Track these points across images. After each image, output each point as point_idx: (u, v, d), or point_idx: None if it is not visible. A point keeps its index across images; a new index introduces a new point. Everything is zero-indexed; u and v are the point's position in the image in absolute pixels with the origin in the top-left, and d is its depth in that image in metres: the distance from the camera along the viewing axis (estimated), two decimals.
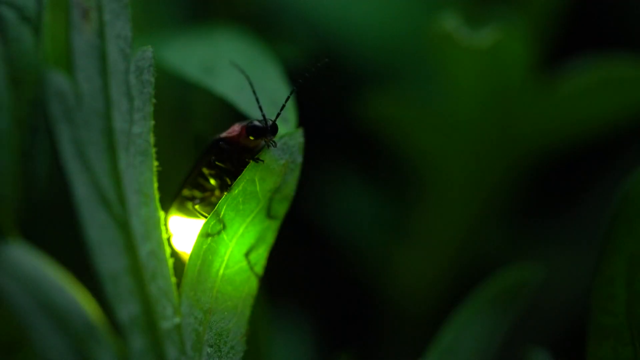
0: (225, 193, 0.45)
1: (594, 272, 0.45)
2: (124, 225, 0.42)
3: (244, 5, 0.79)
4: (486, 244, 0.78)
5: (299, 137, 0.45)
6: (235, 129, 0.47)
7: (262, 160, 0.45)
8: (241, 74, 0.49)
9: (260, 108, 0.47)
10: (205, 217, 0.45)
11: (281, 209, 0.45)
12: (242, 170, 0.45)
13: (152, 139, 0.44)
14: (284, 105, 0.47)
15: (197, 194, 0.49)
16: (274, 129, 0.46)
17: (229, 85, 0.50)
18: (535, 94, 0.70)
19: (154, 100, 0.44)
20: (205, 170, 0.48)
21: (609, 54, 0.69)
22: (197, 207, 0.48)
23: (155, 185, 0.44)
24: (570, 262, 0.77)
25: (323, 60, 0.49)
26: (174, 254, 0.46)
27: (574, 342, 0.68)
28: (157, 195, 0.44)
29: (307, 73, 0.48)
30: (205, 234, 0.44)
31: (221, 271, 0.45)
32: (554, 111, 0.71)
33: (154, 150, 0.44)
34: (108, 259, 0.42)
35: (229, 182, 0.47)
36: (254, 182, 0.45)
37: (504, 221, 0.79)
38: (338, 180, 0.80)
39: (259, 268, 0.45)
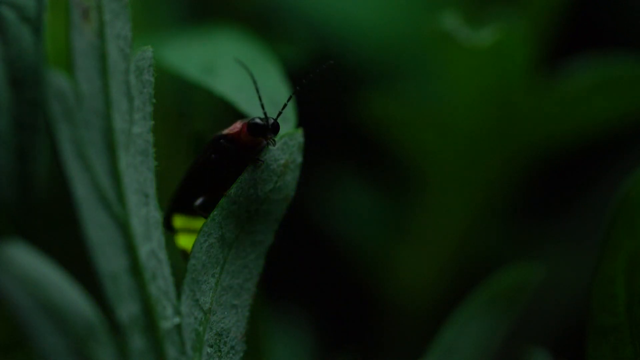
0: (225, 191, 0.45)
1: (594, 272, 0.45)
2: (124, 225, 0.42)
3: (244, 5, 0.79)
4: (486, 244, 0.78)
5: (299, 137, 0.45)
6: (237, 125, 0.47)
7: (262, 161, 0.45)
8: (241, 73, 0.49)
9: (262, 106, 0.47)
10: (206, 216, 0.45)
11: (281, 209, 0.45)
12: (243, 168, 0.45)
13: (152, 139, 0.44)
14: (285, 105, 0.47)
15: (197, 190, 0.49)
16: (275, 127, 0.46)
17: (229, 85, 0.50)
18: (535, 93, 0.70)
19: (154, 100, 0.44)
20: (206, 167, 0.48)
21: (609, 54, 0.69)
22: (198, 207, 0.48)
23: (155, 185, 0.44)
24: (570, 262, 0.77)
25: (328, 62, 0.49)
26: (175, 252, 0.46)
27: (574, 342, 0.68)
28: (157, 195, 0.44)
29: (311, 74, 0.48)
30: (206, 234, 0.44)
31: (221, 271, 0.45)
32: (553, 111, 0.71)
33: (154, 150, 0.44)
34: (108, 259, 0.42)
35: (229, 180, 0.47)
36: (254, 181, 0.45)
37: (504, 221, 0.79)
38: (338, 180, 0.80)
39: (259, 268, 0.45)
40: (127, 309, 0.42)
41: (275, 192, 0.45)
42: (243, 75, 0.49)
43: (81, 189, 0.42)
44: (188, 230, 0.50)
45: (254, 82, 0.47)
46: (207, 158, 0.48)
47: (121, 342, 0.42)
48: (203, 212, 0.48)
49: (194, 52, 0.56)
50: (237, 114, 0.49)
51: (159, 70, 0.45)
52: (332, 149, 0.80)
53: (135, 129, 0.44)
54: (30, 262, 0.40)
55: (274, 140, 0.45)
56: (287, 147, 0.45)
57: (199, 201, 0.49)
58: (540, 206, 0.82)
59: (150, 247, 0.43)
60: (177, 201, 0.50)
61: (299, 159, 0.45)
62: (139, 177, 0.43)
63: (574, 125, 0.72)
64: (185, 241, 0.50)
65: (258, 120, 0.46)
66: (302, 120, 0.48)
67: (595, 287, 0.45)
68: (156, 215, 0.44)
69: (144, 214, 0.43)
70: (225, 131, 0.48)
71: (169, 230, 0.50)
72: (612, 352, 0.45)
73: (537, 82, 0.70)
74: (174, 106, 0.72)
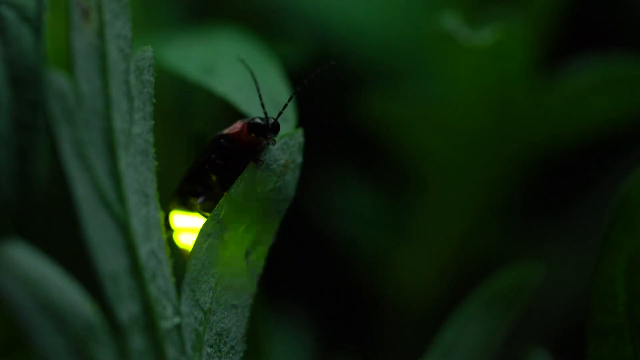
0: (226, 191, 0.45)
1: (593, 272, 0.45)
2: (124, 225, 0.42)
3: (244, 5, 0.79)
4: (486, 244, 0.78)
5: (299, 137, 0.45)
6: (237, 125, 0.47)
7: (262, 161, 0.45)
8: (241, 73, 0.49)
9: (262, 106, 0.47)
10: (206, 216, 0.45)
11: (281, 209, 0.45)
12: (243, 168, 0.45)
13: (152, 139, 0.44)
14: (286, 105, 0.47)
15: (198, 189, 0.49)
16: (275, 127, 0.46)
17: (229, 85, 0.50)
18: (535, 93, 0.70)
19: (154, 100, 0.44)
20: (207, 167, 0.48)
21: (609, 54, 0.69)
22: (198, 207, 0.48)
23: (156, 185, 0.44)
24: (570, 262, 0.77)
25: (329, 62, 0.49)
26: (175, 252, 0.46)
27: (574, 342, 0.68)
28: (157, 195, 0.44)
29: (312, 75, 0.48)
30: (206, 234, 0.44)
31: (221, 271, 0.45)
32: (554, 111, 0.71)
33: (154, 150, 0.44)
34: (108, 259, 0.42)
35: (230, 180, 0.47)
36: (254, 182, 0.45)
37: (504, 221, 0.79)
38: (338, 180, 0.80)
39: (259, 268, 0.45)
40: (127, 309, 0.42)
41: (275, 192, 0.45)
42: (243, 75, 0.49)
43: (81, 189, 0.42)
44: (188, 230, 0.50)
45: (255, 82, 0.47)
46: (207, 158, 0.48)
47: (121, 342, 0.42)
48: (203, 211, 0.48)
49: (194, 52, 0.56)
50: (237, 114, 0.49)
51: (159, 70, 0.45)
52: (332, 149, 0.80)
53: (135, 129, 0.44)
54: (30, 262, 0.40)
55: (274, 140, 0.45)
56: (287, 147, 0.45)
57: (199, 201, 0.49)
58: (540, 206, 0.82)
59: (150, 247, 0.43)
60: (178, 197, 0.50)
61: (299, 159, 0.45)
62: (139, 177, 0.43)
63: (574, 125, 0.72)
64: (185, 241, 0.50)
65: (258, 120, 0.46)
66: (302, 120, 0.48)
67: (595, 287, 0.45)
68: (156, 215, 0.44)
69: (144, 214, 0.43)
70: (225, 131, 0.48)
71: (169, 229, 0.50)
72: (612, 352, 0.45)
73: (537, 82, 0.69)
74: (174, 106, 0.72)
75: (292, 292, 0.76)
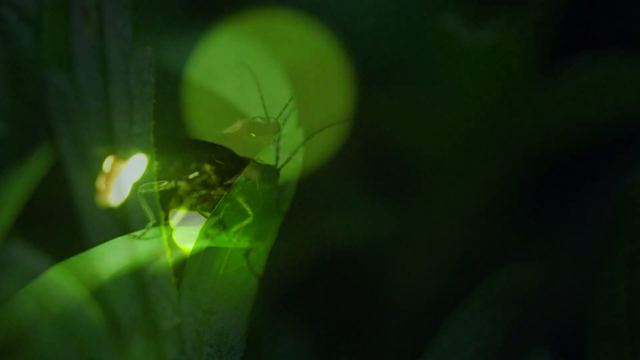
0: (226, 191, 0.45)
1: (594, 272, 0.45)
2: (124, 226, 0.42)
3: (244, 5, 0.79)
4: (486, 244, 0.78)
5: (299, 137, 0.45)
6: (237, 125, 0.47)
7: (262, 160, 0.45)
8: (242, 73, 0.49)
9: (263, 105, 0.47)
10: (206, 216, 0.45)
11: (281, 210, 0.45)
12: (243, 168, 0.45)
13: (152, 139, 0.44)
14: (286, 105, 0.47)
15: (198, 189, 0.49)
16: (275, 126, 0.46)
17: (229, 85, 0.50)
18: (535, 93, 0.70)
19: (153, 100, 0.44)
20: (207, 166, 0.48)
21: (609, 54, 0.69)
22: (198, 207, 0.48)
23: (156, 185, 0.44)
24: (570, 262, 0.77)
25: (329, 62, 0.49)
26: (175, 252, 0.46)
27: (574, 342, 0.68)
28: (157, 196, 0.44)
29: (312, 75, 0.48)
30: (205, 234, 0.44)
31: (221, 271, 0.45)
32: (554, 111, 0.71)
33: (154, 150, 0.44)
34: (108, 259, 0.42)
35: (230, 180, 0.47)
36: (254, 182, 0.45)
37: (504, 221, 0.79)
38: (338, 180, 0.80)
39: (259, 268, 0.45)
40: (127, 309, 0.42)
41: (275, 192, 0.45)
42: (243, 75, 0.49)
43: (81, 189, 0.42)
44: (188, 230, 0.50)
45: (255, 82, 0.47)
46: (207, 158, 0.48)
47: (121, 342, 0.42)
48: (203, 211, 0.48)
49: (194, 52, 0.56)
50: (237, 114, 0.49)
51: (159, 70, 0.45)
52: (332, 149, 0.80)
53: (135, 129, 0.44)
54: (30, 262, 0.40)
55: (274, 140, 0.45)
56: (287, 147, 0.45)
57: (200, 200, 0.49)
58: (541, 206, 0.82)
59: (150, 247, 0.43)
60: (177, 200, 0.50)
61: (299, 159, 0.45)
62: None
63: (574, 125, 0.72)
64: (185, 241, 0.50)
65: (259, 120, 0.46)
66: (302, 120, 0.48)
67: (595, 287, 0.45)
68: (156, 215, 0.44)
69: (144, 213, 0.43)
70: (226, 131, 0.48)
71: (169, 229, 0.50)
72: (612, 353, 0.45)
73: (537, 82, 0.70)
74: (173, 106, 0.72)
75: (292, 292, 0.76)
